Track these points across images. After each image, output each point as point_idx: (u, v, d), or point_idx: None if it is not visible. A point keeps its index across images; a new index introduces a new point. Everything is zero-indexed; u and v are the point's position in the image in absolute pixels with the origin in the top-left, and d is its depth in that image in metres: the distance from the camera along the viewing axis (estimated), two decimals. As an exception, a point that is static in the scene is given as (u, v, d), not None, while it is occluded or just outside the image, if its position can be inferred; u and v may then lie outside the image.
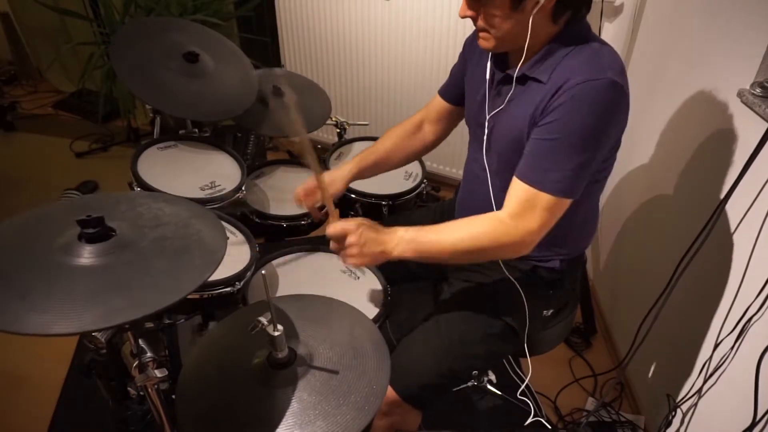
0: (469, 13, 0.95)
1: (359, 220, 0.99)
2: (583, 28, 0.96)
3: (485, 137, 1.07)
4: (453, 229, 0.98)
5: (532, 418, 1.48)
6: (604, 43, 0.96)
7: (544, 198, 0.92)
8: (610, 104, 0.89)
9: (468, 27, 2.03)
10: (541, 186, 0.92)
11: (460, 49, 1.21)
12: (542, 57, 0.96)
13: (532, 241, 0.95)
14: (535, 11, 0.89)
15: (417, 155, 1.35)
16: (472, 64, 1.14)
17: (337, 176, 1.26)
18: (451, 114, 1.29)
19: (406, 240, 0.97)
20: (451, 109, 1.27)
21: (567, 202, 0.94)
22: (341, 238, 0.98)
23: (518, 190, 0.94)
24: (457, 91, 1.23)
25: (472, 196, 1.18)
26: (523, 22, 0.90)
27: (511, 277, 1.11)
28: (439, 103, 1.29)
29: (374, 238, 0.97)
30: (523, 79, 0.99)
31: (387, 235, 0.98)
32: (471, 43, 1.17)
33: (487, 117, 1.06)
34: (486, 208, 1.10)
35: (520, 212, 0.94)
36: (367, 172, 1.29)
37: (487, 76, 1.06)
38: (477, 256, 1.00)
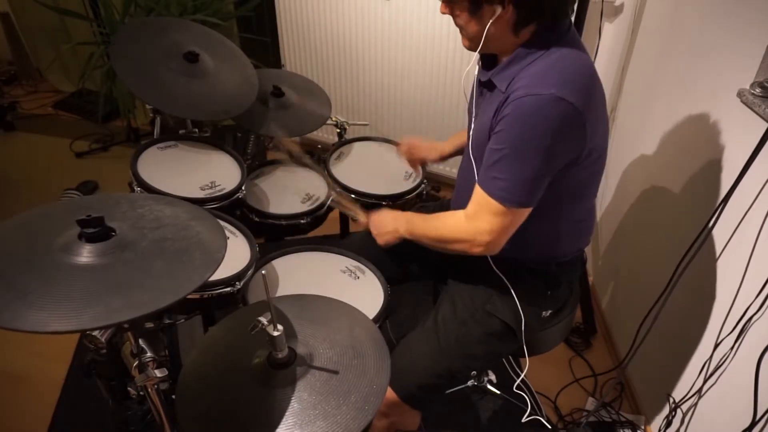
0: (445, 10, 0.98)
1: (380, 211, 1.23)
2: (555, 35, 0.94)
3: (471, 135, 1.09)
4: (435, 219, 1.11)
5: (528, 414, 1.48)
6: (576, 49, 0.94)
7: (493, 204, 0.95)
8: (552, 120, 0.87)
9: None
10: (489, 193, 0.96)
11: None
12: (507, 64, 0.97)
13: (485, 242, 0.99)
14: (491, 21, 0.91)
15: None
16: None
17: (436, 146, 1.44)
18: None
19: (405, 222, 1.16)
20: None
21: (520, 211, 0.96)
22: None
23: (476, 192, 0.99)
24: None
25: (462, 195, 1.19)
26: (483, 29, 0.93)
27: (504, 279, 1.11)
28: None
29: (385, 222, 1.20)
30: (490, 85, 1.01)
31: (397, 219, 1.18)
32: None
33: (473, 117, 1.08)
34: None
35: (473, 214, 1.00)
36: (461, 151, 1.37)
37: (475, 77, 1.08)
38: (446, 246, 1.08)
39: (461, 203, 1.19)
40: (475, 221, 0.99)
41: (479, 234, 0.99)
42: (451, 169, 2.51)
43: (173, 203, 0.91)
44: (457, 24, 0.99)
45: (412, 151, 1.47)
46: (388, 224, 1.19)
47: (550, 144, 0.88)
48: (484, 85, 1.04)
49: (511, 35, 0.94)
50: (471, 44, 1.00)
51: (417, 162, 1.51)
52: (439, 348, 1.11)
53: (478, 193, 0.98)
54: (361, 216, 1.32)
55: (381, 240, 1.20)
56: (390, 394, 1.08)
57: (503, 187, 0.93)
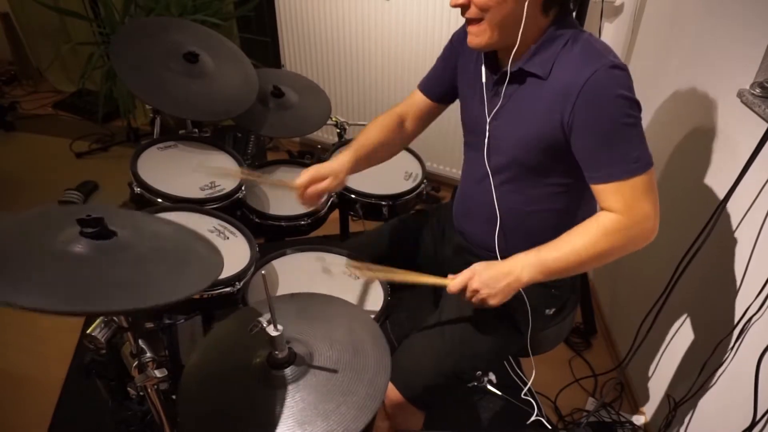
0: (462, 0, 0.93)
1: (472, 266, 1.01)
2: (569, 21, 0.97)
3: (486, 139, 1.07)
4: (571, 241, 0.98)
5: (534, 417, 1.48)
6: (586, 32, 0.98)
7: (640, 180, 0.93)
8: (625, 82, 0.91)
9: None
10: (632, 174, 0.92)
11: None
12: (536, 51, 0.96)
13: (654, 225, 0.96)
14: None
15: (398, 151, 1.31)
16: (465, 62, 1.13)
17: (339, 169, 1.13)
18: (432, 110, 1.26)
19: (530, 263, 0.98)
20: (434, 106, 1.25)
21: (653, 171, 0.94)
22: (464, 290, 1.01)
23: (611, 191, 0.95)
24: (441, 89, 1.21)
25: (472, 197, 1.18)
26: (520, 7, 0.91)
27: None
28: (422, 100, 1.25)
29: (495, 275, 0.99)
30: (520, 76, 0.99)
31: (507, 266, 0.99)
32: (463, 39, 1.11)
33: (488, 119, 1.06)
34: (488, 207, 1.11)
35: (627, 207, 0.94)
36: (361, 165, 1.19)
37: (483, 80, 1.06)
38: (604, 261, 0.99)
39: (473, 207, 1.17)
40: (635, 210, 0.94)
41: (646, 220, 0.95)
42: (451, 168, 2.51)
43: (171, 224, 0.91)
44: (481, 11, 0.92)
45: (313, 189, 1.12)
46: (500, 279, 0.98)
47: (632, 98, 0.92)
48: (514, 78, 1.00)
49: (541, 15, 0.94)
50: (492, 35, 0.94)
51: (317, 197, 1.14)
52: (443, 348, 1.11)
53: (616, 188, 0.94)
54: (440, 281, 1.06)
55: (495, 301, 0.99)
56: (395, 395, 1.08)
57: (638, 157, 0.92)
